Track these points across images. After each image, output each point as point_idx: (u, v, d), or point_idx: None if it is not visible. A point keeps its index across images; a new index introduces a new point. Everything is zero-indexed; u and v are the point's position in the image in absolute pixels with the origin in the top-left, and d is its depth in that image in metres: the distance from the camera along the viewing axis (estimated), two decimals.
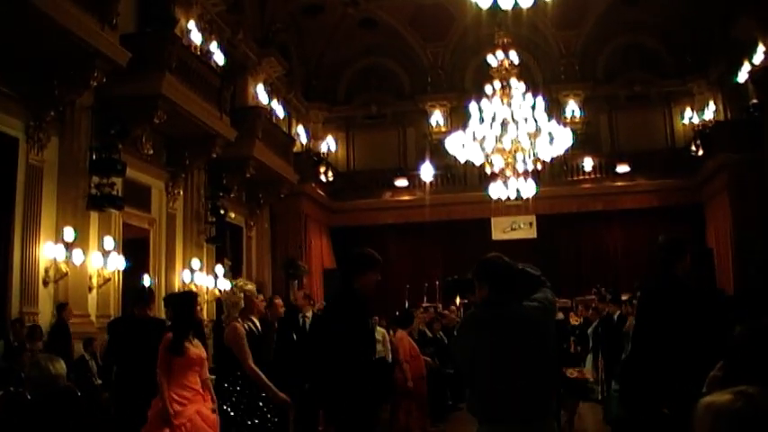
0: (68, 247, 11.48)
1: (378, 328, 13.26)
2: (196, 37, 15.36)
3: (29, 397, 5.08)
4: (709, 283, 17.87)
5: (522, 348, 3.74)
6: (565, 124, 17.56)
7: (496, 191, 15.25)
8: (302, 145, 23.04)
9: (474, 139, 14.39)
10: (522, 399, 3.69)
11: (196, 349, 6.25)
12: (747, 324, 3.16)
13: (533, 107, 14.31)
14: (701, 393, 3.46)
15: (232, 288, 6.55)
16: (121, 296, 13.01)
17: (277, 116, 20.64)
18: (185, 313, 6.39)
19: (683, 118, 23.70)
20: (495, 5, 13.22)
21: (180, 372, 6.12)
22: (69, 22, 10.34)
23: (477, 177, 21.09)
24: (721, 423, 1.91)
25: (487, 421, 3.73)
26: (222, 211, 16.47)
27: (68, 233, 11.46)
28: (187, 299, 6.78)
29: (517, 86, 14.53)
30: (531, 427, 3.70)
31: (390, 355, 13.05)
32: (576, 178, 23.63)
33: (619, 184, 23.28)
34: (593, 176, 23.55)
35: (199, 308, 9.39)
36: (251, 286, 6.58)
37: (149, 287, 11.34)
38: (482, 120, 14.36)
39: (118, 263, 12.64)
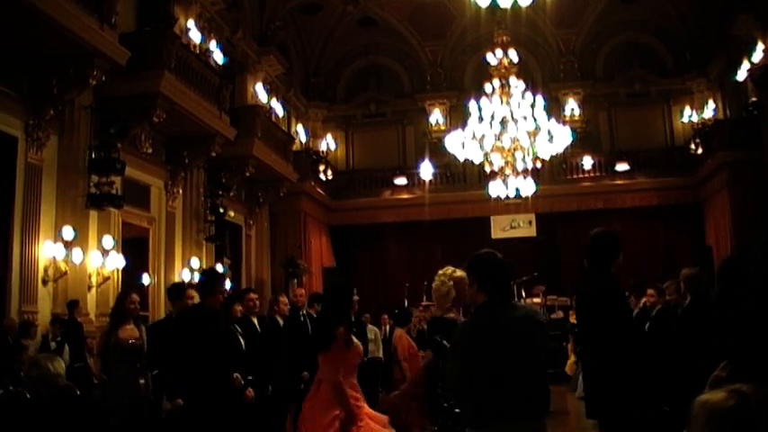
0: (68, 245, 11.48)
1: (369, 326, 13.29)
2: (195, 36, 15.35)
3: (28, 396, 5.08)
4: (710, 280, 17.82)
5: (520, 348, 3.76)
6: (564, 123, 17.57)
7: (496, 189, 15.24)
8: (302, 143, 23.06)
9: (473, 137, 14.37)
10: (524, 399, 3.72)
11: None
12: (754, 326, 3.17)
13: (533, 105, 14.29)
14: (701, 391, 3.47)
15: (440, 278, 5.76)
16: None
17: (276, 115, 20.64)
18: (345, 302, 5.86)
19: (682, 116, 23.69)
20: (494, 4, 13.22)
21: (348, 368, 5.69)
22: (68, 21, 10.34)
23: (477, 176, 21.13)
24: (715, 421, 1.94)
25: (491, 423, 3.71)
26: (221, 210, 16.46)
27: (68, 232, 11.46)
28: (346, 286, 6.25)
29: (516, 85, 14.51)
30: (531, 426, 3.73)
31: (381, 353, 13.12)
32: (575, 177, 23.62)
33: (618, 182, 23.27)
34: (592, 175, 23.54)
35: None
36: (460, 273, 5.67)
37: (214, 270, 10.91)
38: (481, 118, 14.34)
39: (117, 262, 12.62)
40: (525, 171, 14.91)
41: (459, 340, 3.98)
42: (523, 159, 14.55)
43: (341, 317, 5.63)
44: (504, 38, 14.83)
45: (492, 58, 14.71)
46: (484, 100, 14.44)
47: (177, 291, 8.08)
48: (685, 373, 6.46)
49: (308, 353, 9.18)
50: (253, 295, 8.85)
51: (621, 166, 23.21)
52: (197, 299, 7.30)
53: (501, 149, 14.43)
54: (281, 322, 9.06)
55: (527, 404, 3.73)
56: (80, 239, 11.71)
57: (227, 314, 7.87)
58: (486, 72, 15.35)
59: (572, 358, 15.52)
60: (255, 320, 8.45)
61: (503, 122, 14.29)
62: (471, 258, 4.00)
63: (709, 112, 22.69)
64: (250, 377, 7.62)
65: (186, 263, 15.42)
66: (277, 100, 20.90)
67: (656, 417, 5.34)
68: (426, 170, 23.71)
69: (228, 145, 15.73)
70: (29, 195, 11.17)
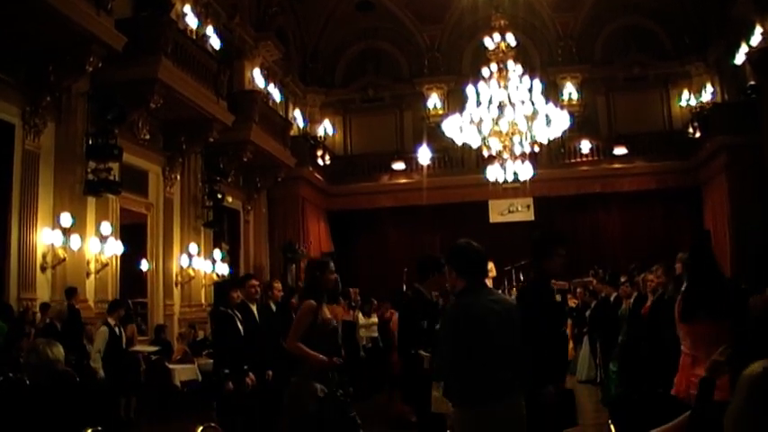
0: (66, 232, 11.50)
1: (360, 315, 13.31)
2: (192, 21, 15.30)
3: (27, 382, 5.10)
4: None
5: (503, 330, 4.02)
6: (562, 107, 17.52)
7: (494, 173, 15.25)
8: (299, 129, 23.01)
9: (471, 121, 14.36)
10: (506, 377, 3.97)
11: None
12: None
13: (530, 90, 14.28)
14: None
15: None
16: (119, 281, 13.00)
17: (274, 100, 20.60)
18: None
19: (680, 100, 23.67)
20: None
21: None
22: (65, 7, 10.31)
23: (475, 160, 21.12)
24: (754, 391, 2.09)
25: (478, 403, 3.93)
26: (219, 196, 16.47)
27: (65, 219, 11.47)
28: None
29: (514, 69, 14.49)
30: (516, 402, 4.02)
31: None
32: (573, 161, 23.61)
33: (616, 166, 23.26)
34: (590, 159, 23.52)
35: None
36: None
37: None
38: (479, 102, 14.33)
39: (115, 248, 12.64)
40: (523, 155, 14.92)
41: (446, 325, 4.21)
42: (521, 143, 14.55)
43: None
44: (502, 22, 14.81)
45: (490, 43, 14.69)
46: (482, 84, 14.44)
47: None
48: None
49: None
50: (254, 282, 8.81)
51: (619, 150, 23.20)
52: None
53: (499, 134, 14.43)
54: (273, 308, 9.06)
55: (512, 382, 3.99)
56: (78, 226, 11.72)
57: (226, 301, 7.91)
58: (483, 56, 15.33)
59: (571, 342, 15.56)
60: (254, 307, 8.42)
61: (500, 106, 14.27)
62: (450, 248, 4.24)
63: (707, 95, 22.67)
64: (246, 366, 7.67)
65: (184, 248, 15.44)
66: (274, 85, 20.84)
67: (651, 399, 5.38)
68: (424, 155, 23.68)
69: (226, 130, 15.71)
70: (26, 182, 11.17)
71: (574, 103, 23.38)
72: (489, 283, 21.01)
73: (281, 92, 21.62)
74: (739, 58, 19.38)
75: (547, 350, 4.81)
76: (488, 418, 3.92)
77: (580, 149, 23.44)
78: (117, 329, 10.02)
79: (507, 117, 14.22)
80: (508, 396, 3.94)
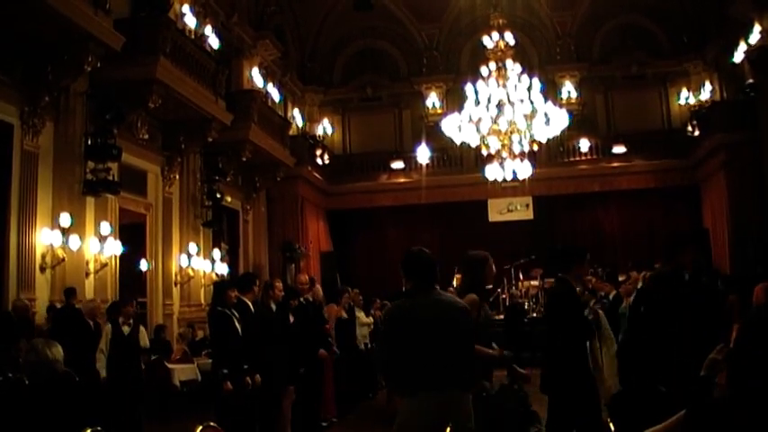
0: (65, 232, 11.48)
1: (360, 314, 13.31)
2: (190, 21, 15.27)
3: (26, 382, 5.09)
4: (707, 263, 17.88)
5: (437, 329, 4.30)
6: (561, 105, 17.52)
7: (493, 172, 15.23)
8: (298, 128, 22.99)
9: (470, 120, 14.34)
10: (436, 372, 4.24)
11: None
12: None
13: (529, 88, 14.26)
14: (697, 373, 3.51)
15: None
16: (118, 281, 13.00)
17: (272, 99, 20.58)
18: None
19: (679, 98, 23.69)
20: None
21: None
22: (63, 6, 10.28)
23: (474, 159, 21.15)
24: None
25: (409, 395, 4.29)
26: (218, 195, 16.47)
27: (65, 219, 11.45)
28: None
29: (513, 68, 14.47)
30: (447, 396, 4.23)
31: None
32: (572, 159, 23.61)
33: (615, 164, 23.27)
34: (589, 157, 23.52)
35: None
36: None
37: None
38: (478, 101, 14.31)
39: (115, 248, 12.63)
40: (522, 154, 14.89)
41: (384, 321, 4.74)
42: (520, 142, 14.53)
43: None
44: (500, 20, 14.79)
45: (488, 41, 14.67)
46: (480, 83, 14.42)
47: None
48: (682, 353, 6.49)
49: (307, 338, 9.27)
50: (278, 284, 9.01)
51: (618, 149, 23.21)
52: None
53: (498, 132, 14.41)
54: (273, 308, 9.09)
55: (442, 377, 4.24)
56: (77, 226, 11.70)
57: (223, 301, 7.91)
58: (482, 55, 15.31)
59: None
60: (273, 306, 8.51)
61: (499, 105, 14.26)
62: (404, 257, 4.67)
63: (705, 94, 22.68)
64: (246, 366, 7.67)
65: (184, 248, 15.44)
66: (273, 84, 20.83)
67: (653, 397, 5.39)
68: (423, 154, 23.68)
69: (225, 130, 15.70)
70: (25, 183, 11.15)
71: (572, 101, 23.39)
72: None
73: (279, 91, 21.61)
74: (738, 57, 19.37)
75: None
76: (414, 408, 4.23)
77: (579, 148, 23.45)
78: (125, 328, 9.81)
79: (506, 116, 14.20)
80: (437, 390, 4.19)
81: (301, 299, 9.91)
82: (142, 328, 10.16)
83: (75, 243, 11.55)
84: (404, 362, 4.30)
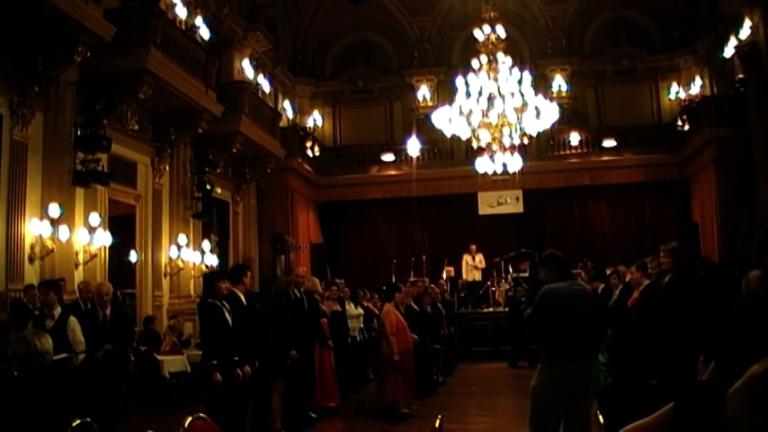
0: (54, 223, 11.45)
1: (349, 306, 13.32)
2: (181, 11, 15.23)
3: (15, 374, 5.08)
4: (696, 257, 17.96)
5: (585, 309, 5.54)
6: (552, 99, 17.53)
7: (483, 165, 15.24)
8: (289, 120, 22.97)
9: (461, 113, 14.34)
10: (585, 344, 5.50)
11: None
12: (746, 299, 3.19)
13: (520, 82, 14.26)
14: (687, 367, 3.54)
15: None
16: (108, 272, 12.96)
17: (263, 91, 20.56)
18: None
19: (669, 93, 23.76)
20: None
21: None
22: None
23: (464, 152, 21.18)
24: (756, 389, 2.10)
25: (566, 361, 5.37)
26: (209, 187, 16.44)
27: (54, 209, 11.41)
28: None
29: (504, 61, 14.47)
30: (587, 365, 5.58)
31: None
32: (562, 153, 23.64)
33: (605, 158, 23.31)
34: (579, 151, 23.56)
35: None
36: None
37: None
38: (469, 94, 14.31)
39: (104, 239, 12.60)
40: (512, 147, 14.90)
41: (545, 298, 5.56)
42: (510, 135, 14.53)
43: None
44: (492, 14, 14.79)
45: (479, 34, 14.66)
46: (471, 76, 14.42)
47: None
48: (671, 346, 6.52)
49: (298, 331, 9.26)
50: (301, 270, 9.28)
51: (608, 143, 23.25)
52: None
53: (488, 125, 14.41)
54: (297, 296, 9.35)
55: (589, 349, 5.56)
56: (66, 217, 11.67)
57: (213, 292, 7.88)
58: (473, 48, 15.31)
59: None
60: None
61: (490, 98, 14.26)
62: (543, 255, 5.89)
63: (696, 88, 22.74)
64: (236, 357, 7.67)
65: (173, 240, 15.41)
66: (264, 76, 20.80)
67: (643, 390, 5.42)
68: (414, 146, 23.67)
69: (215, 121, 15.66)
70: (14, 173, 11.11)
71: (563, 95, 23.45)
72: (478, 274, 21.10)
73: (270, 83, 21.58)
74: (728, 52, 19.43)
75: None
76: (562, 372, 5.39)
77: (569, 142, 23.49)
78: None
79: (497, 109, 14.20)
80: (585, 359, 5.58)
81: (296, 291, 9.88)
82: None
83: (64, 234, 11.52)
84: (562, 334, 5.35)
